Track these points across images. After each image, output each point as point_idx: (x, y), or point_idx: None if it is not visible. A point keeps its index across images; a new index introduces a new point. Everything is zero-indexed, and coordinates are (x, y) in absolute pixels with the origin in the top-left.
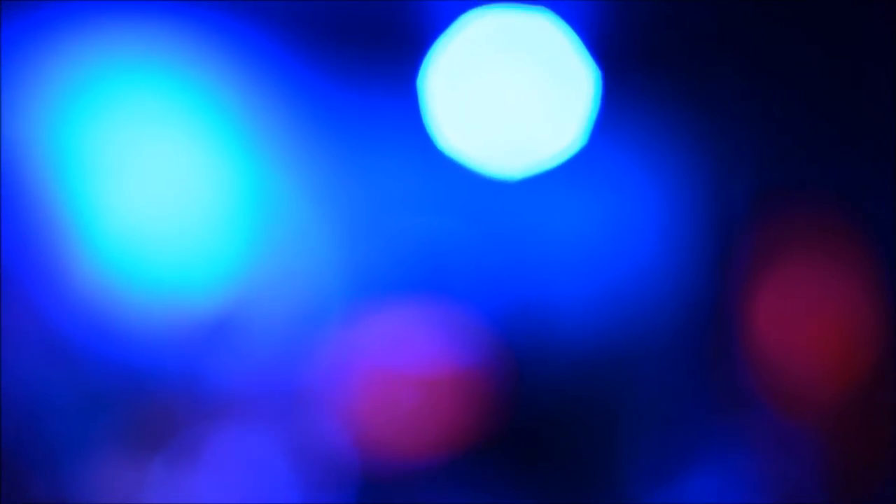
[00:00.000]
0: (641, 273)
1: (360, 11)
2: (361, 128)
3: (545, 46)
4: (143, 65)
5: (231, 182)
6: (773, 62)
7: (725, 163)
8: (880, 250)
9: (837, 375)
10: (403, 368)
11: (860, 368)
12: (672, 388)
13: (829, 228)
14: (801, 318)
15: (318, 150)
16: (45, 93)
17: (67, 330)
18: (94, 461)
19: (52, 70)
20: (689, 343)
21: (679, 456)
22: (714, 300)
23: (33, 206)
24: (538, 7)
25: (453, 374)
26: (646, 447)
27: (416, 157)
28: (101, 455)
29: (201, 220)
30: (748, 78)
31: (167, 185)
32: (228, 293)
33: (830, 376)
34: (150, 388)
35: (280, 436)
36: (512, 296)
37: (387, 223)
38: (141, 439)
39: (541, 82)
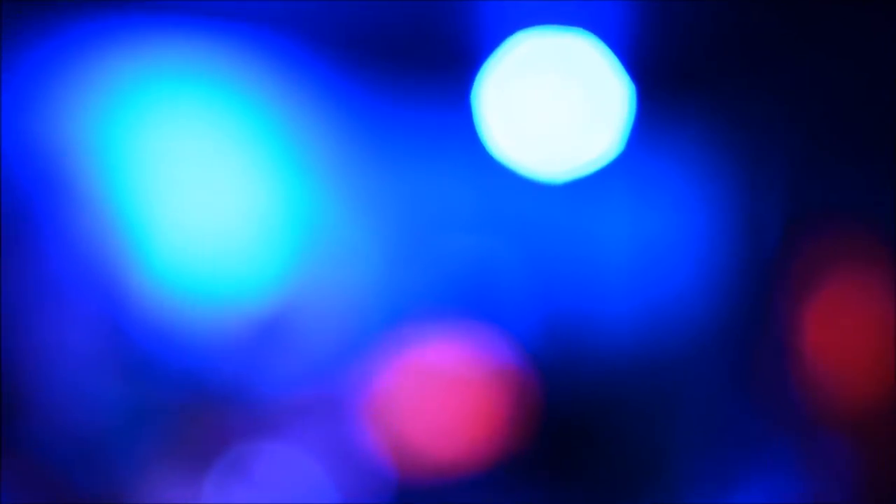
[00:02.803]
0: (681, 285)
1: (413, 33)
2: (411, 143)
3: (584, 64)
4: (199, 81)
5: (281, 194)
6: (806, 79)
7: (760, 178)
8: None
9: (880, 389)
10: (443, 377)
11: None
12: (714, 400)
13: (867, 242)
14: (843, 332)
15: (367, 163)
16: (98, 106)
17: (120, 339)
18: (145, 469)
19: (107, 84)
20: (730, 351)
21: (722, 469)
22: (754, 313)
23: (87, 215)
24: (578, 29)
25: (493, 382)
26: (688, 460)
27: (462, 171)
28: (151, 463)
29: (251, 230)
30: (782, 96)
31: (219, 197)
32: (275, 302)
33: (872, 390)
34: (198, 395)
35: (321, 442)
36: (551, 307)
37: (432, 236)
38: (189, 446)
39: (580, 96)
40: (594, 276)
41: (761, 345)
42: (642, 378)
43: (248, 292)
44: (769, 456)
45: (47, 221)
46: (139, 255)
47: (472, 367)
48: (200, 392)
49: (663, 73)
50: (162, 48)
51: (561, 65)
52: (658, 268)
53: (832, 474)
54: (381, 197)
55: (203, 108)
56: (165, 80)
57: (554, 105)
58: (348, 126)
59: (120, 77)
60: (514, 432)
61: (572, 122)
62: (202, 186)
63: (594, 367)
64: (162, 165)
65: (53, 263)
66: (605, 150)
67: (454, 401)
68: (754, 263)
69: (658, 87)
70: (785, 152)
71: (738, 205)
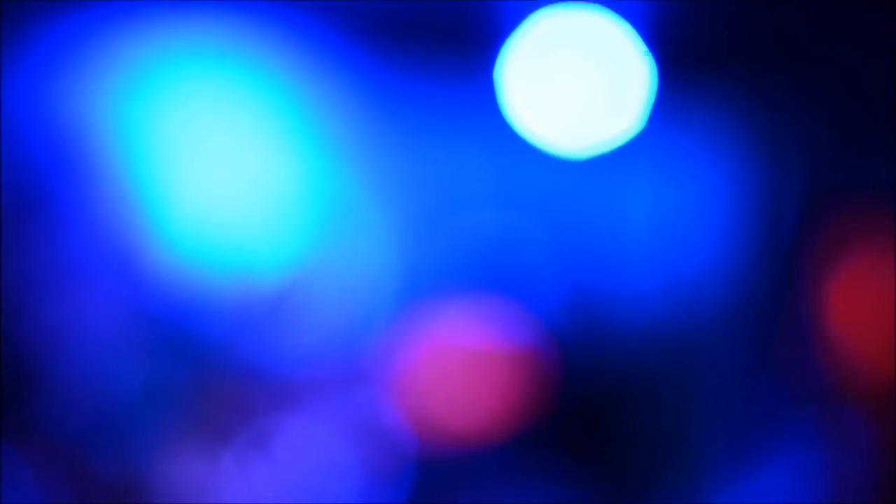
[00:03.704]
0: (703, 263)
1: (435, 9)
2: (433, 119)
3: (606, 41)
4: (219, 58)
5: (302, 170)
6: (827, 59)
7: (781, 155)
8: None
9: None
10: (464, 353)
11: None
12: (734, 377)
13: (886, 221)
14: (863, 309)
15: (388, 139)
16: (118, 85)
17: (140, 317)
18: (165, 446)
19: (127, 63)
20: (751, 329)
21: (743, 446)
22: (775, 290)
23: (106, 194)
24: (600, 6)
25: (513, 359)
26: (709, 437)
27: (484, 148)
28: (171, 440)
29: (272, 207)
30: (802, 75)
31: (239, 174)
32: (295, 278)
33: (893, 367)
34: (218, 372)
35: (342, 417)
36: (572, 284)
37: (453, 211)
38: (210, 423)
39: (601, 73)
40: (615, 253)
41: (782, 322)
42: (663, 355)
43: (269, 269)
44: (790, 433)
45: (67, 201)
46: (158, 235)
47: (492, 344)
48: (220, 369)
49: (686, 51)
50: (180, 26)
51: (583, 42)
52: (679, 245)
53: (854, 451)
54: (403, 173)
55: (223, 85)
56: (184, 57)
57: (576, 81)
58: (369, 102)
59: (139, 56)
60: (534, 409)
61: (594, 99)
62: (222, 165)
63: (615, 343)
64: (181, 144)
65: (72, 243)
66: (627, 127)
67: (474, 376)
68: (775, 241)
69: (680, 66)
70: (805, 130)
71: (758, 182)
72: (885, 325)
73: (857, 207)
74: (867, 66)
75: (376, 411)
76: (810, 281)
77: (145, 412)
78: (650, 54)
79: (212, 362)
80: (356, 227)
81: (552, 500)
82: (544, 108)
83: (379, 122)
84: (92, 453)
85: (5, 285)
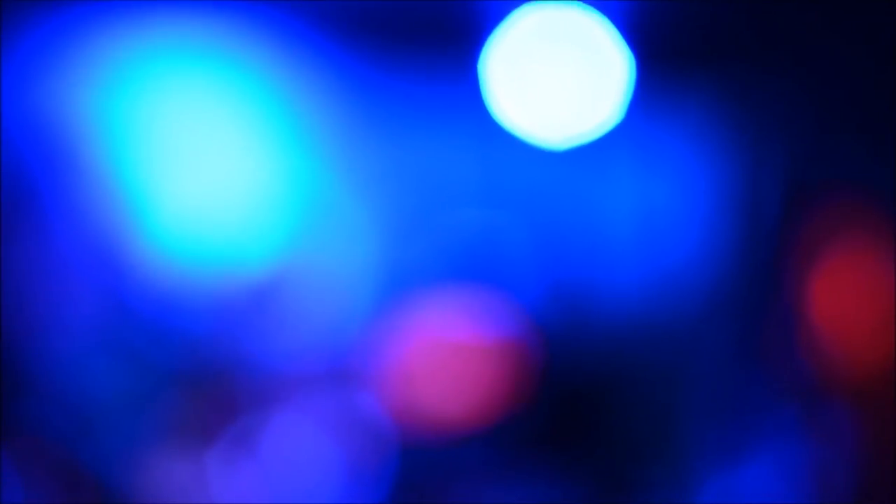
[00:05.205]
0: (686, 254)
1: (417, 6)
2: (416, 115)
3: (585, 36)
4: (203, 56)
5: (286, 167)
6: (809, 50)
7: (763, 146)
8: None
9: (884, 358)
10: (449, 347)
11: None
12: (719, 369)
13: (869, 213)
14: (847, 301)
15: (372, 136)
16: (102, 82)
17: (125, 314)
18: (151, 443)
19: (112, 59)
20: (735, 321)
21: (728, 438)
22: (759, 282)
23: (91, 190)
24: (580, 3)
25: (498, 352)
26: (693, 429)
27: (466, 143)
28: (157, 437)
29: (257, 204)
30: (784, 67)
31: (224, 170)
32: (280, 274)
33: (876, 359)
34: (203, 368)
35: (325, 413)
36: (556, 276)
37: (437, 205)
38: (195, 419)
39: (581, 67)
40: (599, 246)
41: (766, 314)
42: (647, 347)
43: (254, 266)
44: (775, 425)
45: (53, 198)
46: (144, 230)
47: (477, 337)
48: (207, 365)
49: (667, 45)
50: (166, 25)
51: (564, 37)
52: (662, 238)
53: (838, 443)
54: (387, 168)
55: (207, 83)
56: (169, 55)
57: (557, 75)
58: (352, 98)
59: (125, 54)
60: (520, 402)
61: (575, 92)
62: (207, 162)
63: (599, 336)
64: (166, 141)
65: (57, 240)
66: (606, 118)
67: (460, 371)
68: (757, 234)
69: (662, 60)
70: (786, 123)
71: (740, 175)
72: (868, 318)
73: (840, 201)
74: (849, 61)
75: (362, 406)
76: (793, 274)
77: (130, 409)
78: (630, 48)
79: (198, 359)
80: (341, 223)
81: (538, 493)
82: (526, 101)
83: (362, 117)
84: (77, 450)
85: None
